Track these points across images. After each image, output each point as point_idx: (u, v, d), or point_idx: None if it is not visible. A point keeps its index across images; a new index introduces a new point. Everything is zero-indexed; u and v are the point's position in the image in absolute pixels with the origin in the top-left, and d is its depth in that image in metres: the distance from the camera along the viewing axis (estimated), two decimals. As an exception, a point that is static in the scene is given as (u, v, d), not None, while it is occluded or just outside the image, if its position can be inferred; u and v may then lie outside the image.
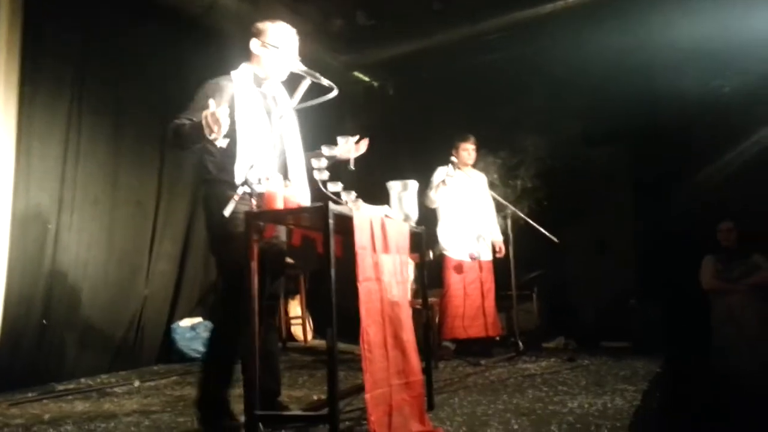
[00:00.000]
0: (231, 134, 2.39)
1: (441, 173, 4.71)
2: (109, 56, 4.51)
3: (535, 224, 4.75)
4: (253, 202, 2.18)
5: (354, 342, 2.23)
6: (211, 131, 2.14)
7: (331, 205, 1.96)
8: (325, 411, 1.98)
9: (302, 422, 2.50)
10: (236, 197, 2.12)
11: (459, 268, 4.75)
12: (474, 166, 5.05)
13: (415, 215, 2.80)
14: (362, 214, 2.20)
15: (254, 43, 2.56)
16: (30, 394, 3.64)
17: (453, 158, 4.73)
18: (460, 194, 4.81)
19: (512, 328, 5.07)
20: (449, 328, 4.68)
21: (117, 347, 4.61)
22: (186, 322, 5.02)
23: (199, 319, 5.12)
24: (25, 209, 4.00)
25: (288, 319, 6.04)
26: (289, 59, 2.54)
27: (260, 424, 2.14)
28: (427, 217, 4.27)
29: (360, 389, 2.20)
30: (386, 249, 2.37)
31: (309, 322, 6.13)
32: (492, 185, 5.11)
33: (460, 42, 5.66)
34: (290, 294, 6.09)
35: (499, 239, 4.92)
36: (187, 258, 5.14)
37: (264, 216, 2.14)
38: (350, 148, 2.44)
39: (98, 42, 4.42)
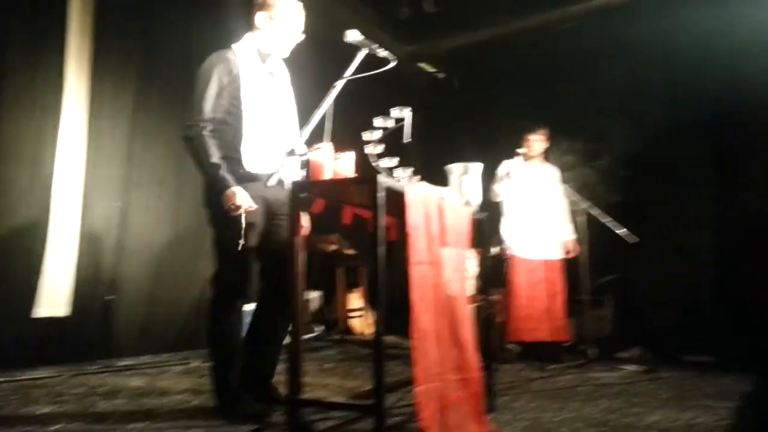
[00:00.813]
0: (237, 111, 2.36)
1: (506, 166, 4.42)
2: (176, 37, 4.55)
3: (611, 222, 4.36)
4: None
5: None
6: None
7: (380, 178, 1.78)
8: (371, 401, 1.80)
9: (347, 411, 2.34)
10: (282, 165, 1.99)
11: (524, 266, 4.45)
12: (547, 158, 4.73)
13: (477, 201, 2.58)
14: (416, 190, 2.01)
15: (260, 16, 2.44)
16: (92, 367, 3.70)
17: (520, 150, 4.42)
18: (528, 188, 4.51)
19: (582, 336, 4.73)
20: (513, 330, 4.39)
21: (179, 328, 4.64)
22: (247, 307, 4.97)
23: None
24: (93, 187, 4.08)
25: (346, 311, 5.93)
26: (294, 35, 2.41)
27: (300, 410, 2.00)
28: (491, 213, 4.04)
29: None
30: (443, 234, 2.17)
31: (369, 318, 5.99)
32: (569, 169, 4.77)
33: (531, 30, 5.36)
34: (350, 286, 5.98)
35: (570, 238, 4.58)
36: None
37: (310, 187, 1.98)
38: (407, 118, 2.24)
39: (165, 23, 4.47)
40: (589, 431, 2.36)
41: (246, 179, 2.37)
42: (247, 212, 2.27)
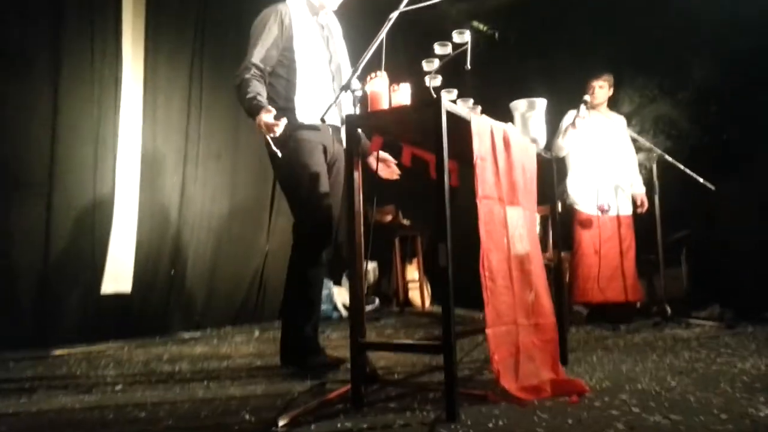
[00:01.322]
0: (290, 63, 2.38)
1: (570, 117, 4.14)
2: (228, 12, 4.51)
3: (686, 169, 4.04)
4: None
5: (475, 307, 1.91)
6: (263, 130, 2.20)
7: (444, 101, 1.66)
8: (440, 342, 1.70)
9: (415, 352, 2.26)
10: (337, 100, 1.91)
11: (592, 223, 4.17)
12: (612, 107, 4.46)
13: (543, 139, 2.43)
14: (482, 119, 1.88)
15: None
16: (157, 339, 3.76)
17: (586, 97, 4.11)
18: (594, 139, 4.22)
19: (655, 296, 4.48)
20: (581, 290, 4.16)
21: (241, 301, 4.68)
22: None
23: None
24: (152, 161, 4.12)
25: (405, 283, 5.84)
26: None
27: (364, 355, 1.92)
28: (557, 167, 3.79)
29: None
30: (510, 170, 2.04)
31: (427, 288, 5.89)
32: (646, 106, 4.47)
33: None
34: (407, 257, 5.89)
35: (641, 191, 4.30)
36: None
37: (368, 119, 1.88)
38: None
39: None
40: (678, 378, 2.19)
41: (301, 129, 2.33)
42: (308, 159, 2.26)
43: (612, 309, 4.18)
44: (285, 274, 4.72)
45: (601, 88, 4.27)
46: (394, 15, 2.05)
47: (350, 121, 1.83)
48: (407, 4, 2.05)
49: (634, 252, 4.24)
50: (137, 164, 4.07)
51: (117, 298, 3.88)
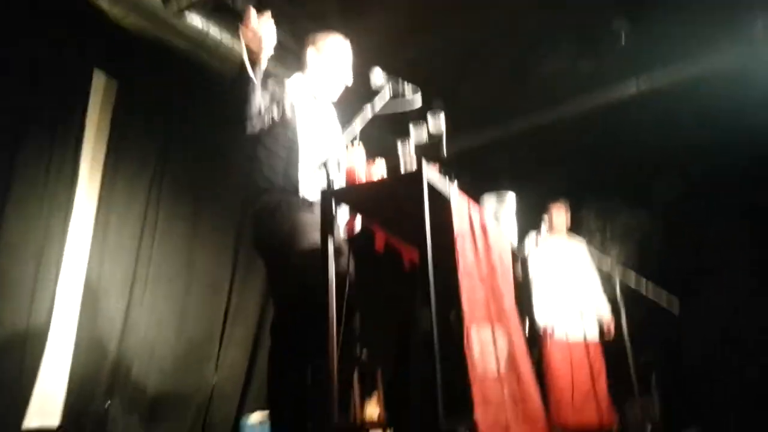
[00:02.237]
0: (292, 142, 2.23)
1: (531, 238, 4.22)
2: (190, 141, 4.58)
3: (648, 294, 4.06)
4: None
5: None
6: (252, 53, 1.94)
7: (426, 171, 1.65)
8: None
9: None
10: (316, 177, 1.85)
11: (561, 347, 4.09)
12: (574, 231, 4.57)
13: (514, 237, 2.43)
14: (461, 197, 1.87)
15: (309, 51, 2.41)
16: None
17: (543, 222, 4.21)
18: (555, 264, 4.30)
19: (628, 425, 4.29)
20: (555, 413, 3.94)
21: (182, 441, 4.20)
22: (256, 416, 4.55)
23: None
24: (96, 284, 3.88)
25: (365, 423, 5.42)
26: (342, 74, 2.39)
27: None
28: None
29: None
30: (489, 255, 2.00)
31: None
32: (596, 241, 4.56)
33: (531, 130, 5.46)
34: (366, 393, 5.52)
35: (606, 316, 4.29)
36: (259, 347, 4.80)
37: (344, 194, 1.83)
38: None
39: (182, 129, 4.51)
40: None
41: (303, 210, 2.16)
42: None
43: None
44: (234, 410, 4.51)
45: (559, 212, 4.41)
46: (364, 120, 2.10)
47: (326, 196, 1.78)
48: (382, 110, 2.12)
49: (604, 377, 4.12)
50: (80, 287, 3.83)
51: (41, 433, 3.42)
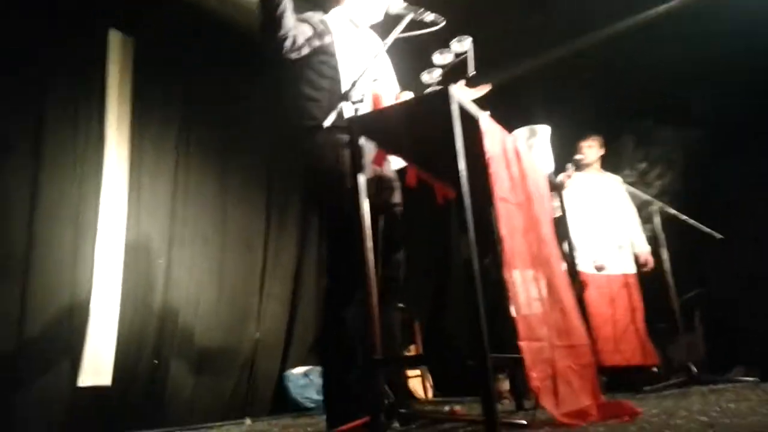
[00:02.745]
0: (335, 71, 2.15)
1: (559, 177, 4.09)
2: (215, 97, 4.53)
3: (688, 219, 3.89)
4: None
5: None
6: None
7: (455, 90, 1.56)
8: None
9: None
10: (338, 108, 1.77)
11: (596, 283, 3.97)
12: (606, 167, 4.41)
13: (550, 165, 2.33)
14: (491, 121, 1.78)
15: None
16: (139, 434, 3.38)
17: (577, 157, 4.04)
18: (589, 199, 4.15)
19: (671, 366, 4.20)
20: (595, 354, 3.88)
21: (229, 395, 4.30)
22: (299, 369, 4.64)
23: (312, 366, 4.72)
24: (136, 243, 3.94)
25: (404, 372, 5.47)
26: None
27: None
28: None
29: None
30: (524, 180, 1.92)
31: (428, 378, 5.52)
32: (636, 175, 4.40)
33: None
34: (404, 344, 5.56)
35: (644, 249, 4.17)
36: (298, 300, 4.86)
37: (372, 119, 1.76)
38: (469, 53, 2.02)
39: (203, 83, 4.46)
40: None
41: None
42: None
43: (631, 374, 3.88)
44: (278, 363, 4.59)
45: (590, 148, 4.26)
46: (389, 41, 2.02)
47: (353, 125, 1.71)
48: (403, 31, 2.03)
49: (643, 314, 4.02)
50: (121, 248, 3.88)
51: (95, 391, 3.53)
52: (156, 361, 3.87)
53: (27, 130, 3.47)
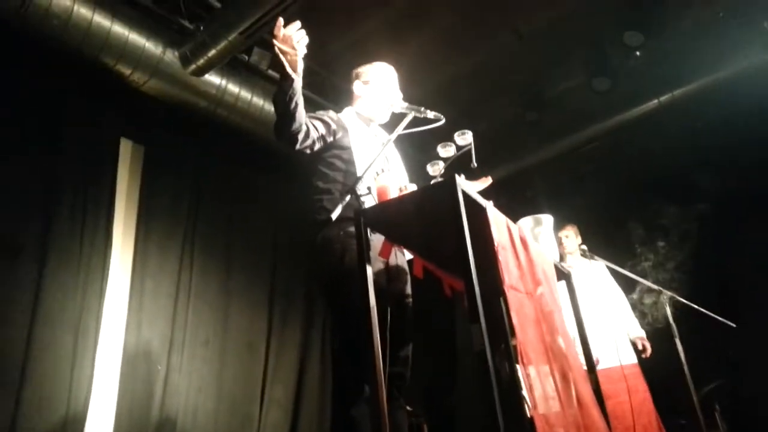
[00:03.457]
0: (349, 163, 2.21)
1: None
2: (219, 199, 4.63)
3: (701, 308, 3.78)
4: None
5: None
6: (286, 59, 1.91)
7: (458, 179, 1.58)
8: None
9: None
10: (345, 201, 1.79)
11: (608, 377, 3.80)
12: (599, 252, 4.33)
13: (555, 255, 2.32)
14: (496, 210, 1.79)
15: (357, 85, 2.44)
16: None
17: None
18: (581, 292, 4.00)
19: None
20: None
21: None
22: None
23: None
24: (135, 349, 3.85)
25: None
26: (392, 95, 2.38)
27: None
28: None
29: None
30: (532, 269, 1.90)
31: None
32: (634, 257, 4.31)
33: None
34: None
35: (639, 334, 3.97)
36: (300, 406, 4.67)
37: (378, 211, 1.77)
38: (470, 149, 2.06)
39: (209, 186, 4.57)
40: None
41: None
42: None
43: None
44: None
45: (567, 238, 4.21)
46: (393, 136, 2.09)
47: (359, 217, 1.72)
48: (406, 127, 2.11)
49: (652, 404, 3.80)
50: (119, 354, 3.79)
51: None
52: (151, 474, 3.65)
53: (33, 234, 3.51)
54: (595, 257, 4.13)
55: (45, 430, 3.25)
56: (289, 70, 1.95)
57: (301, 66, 1.98)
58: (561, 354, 1.82)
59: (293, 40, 1.91)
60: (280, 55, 1.92)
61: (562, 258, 4.06)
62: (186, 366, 4.08)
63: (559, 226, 4.18)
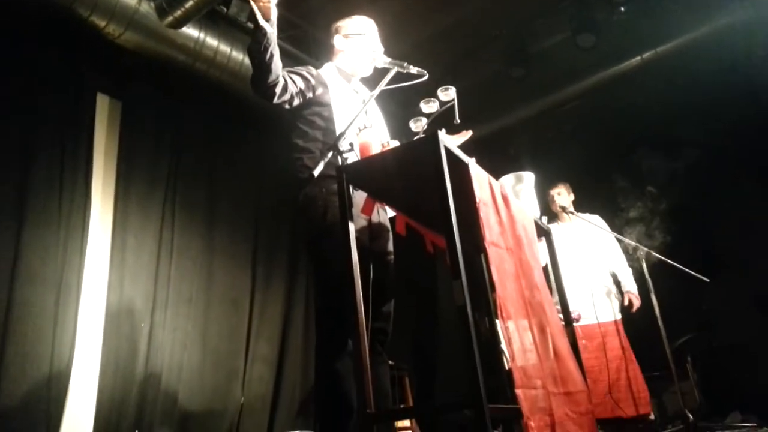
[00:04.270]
0: (328, 121, 2.20)
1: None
2: (200, 155, 4.56)
3: (676, 264, 3.84)
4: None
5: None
6: (258, 6, 1.91)
7: (442, 136, 1.58)
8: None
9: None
10: (326, 158, 1.78)
11: (586, 332, 3.90)
12: (582, 208, 4.37)
13: (536, 213, 2.35)
14: (478, 167, 1.79)
15: (337, 39, 2.40)
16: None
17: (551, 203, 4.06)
18: (564, 250, 3.84)
19: (666, 414, 4.11)
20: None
21: (216, 461, 4.12)
22: (288, 433, 4.47)
23: (300, 431, 4.56)
24: (118, 306, 3.85)
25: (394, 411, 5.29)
26: (373, 47, 2.34)
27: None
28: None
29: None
30: (513, 226, 1.92)
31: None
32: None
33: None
34: (395, 401, 5.41)
35: (630, 288, 4.02)
36: (285, 361, 4.73)
37: (360, 167, 1.77)
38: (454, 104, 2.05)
39: (190, 142, 4.50)
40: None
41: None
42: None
43: (626, 424, 3.77)
44: (264, 429, 4.43)
45: (560, 195, 4.22)
46: (376, 92, 2.06)
47: (342, 174, 1.71)
48: (389, 83, 2.08)
49: (633, 361, 3.90)
50: (102, 311, 3.79)
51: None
52: (137, 431, 3.71)
53: (11, 194, 3.45)
54: (587, 214, 4.20)
55: (29, 388, 3.26)
56: (261, 20, 1.92)
57: (275, 14, 1.95)
58: (539, 308, 1.86)
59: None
60: (252, 3, 1.88)
61: (556, 215, 4.11)
62: (170, 323, 4.09)
63: (550, 185, 4.23)
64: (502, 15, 4.67)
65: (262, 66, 1.99)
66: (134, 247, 4.01)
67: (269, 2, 1.91)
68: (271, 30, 1.96)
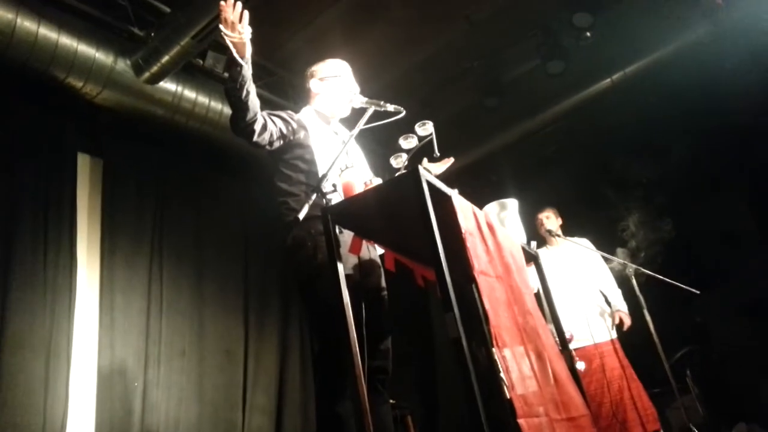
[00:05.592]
0: (310, 168, 2.21)
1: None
2: (184, 206, 4.55)
3: (665, 279, 3.86)
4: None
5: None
6: (233, 43, 1.95)
7: (422, 169, 1.60)
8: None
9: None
10: (311, 201, 1.79)
11: (583, 354, 3.90)
12: (570, 230, 4.40)
13: (522, 239, 2.36)
14: (461, 198, 1.81)
15: (313, 83, 2.44)
16: None
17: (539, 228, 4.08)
18: (554, 273, 3.91)
19: (672, 427, 4.07)
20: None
21: None
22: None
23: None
24: (110, 367, 3.77)
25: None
26: (349, 88, 2.38)
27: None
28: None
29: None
30: (501, 253, 1.93)
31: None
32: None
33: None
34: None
35: (621, 308, 4.02)
36: (283, 410, 4.63)
37: (344, 206, 1.77)
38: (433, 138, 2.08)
39: (173, 194, 4.49)
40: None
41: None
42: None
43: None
44: None
45: (548, 219, 4.27)
46: (355, 132, 2.09)
47: (327, 215, 1.72)
48: (367, 122, 2.12)
49: (634, 379, 3.87)
50: (93, 374, 3.71)
51: None
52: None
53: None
54: (576, 237, 4.23)
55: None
56: (236, 56, 1.96)
57: (249, 51, 1.99)
58: (534, 333, 1.85)
59: (238, 23, 1.92)
60: (227, 40, 1.93)
61: (544, 239, 4.14)
62: (164, 379, 4.01)
63: (537, 209, 4.28)
64: (472, 47, 4.78)
65: (239, 104, 2.02)
66: (123, 304, 3.96)
67: (243, 38, 1.94)
68: (247, 66, 2.00)
